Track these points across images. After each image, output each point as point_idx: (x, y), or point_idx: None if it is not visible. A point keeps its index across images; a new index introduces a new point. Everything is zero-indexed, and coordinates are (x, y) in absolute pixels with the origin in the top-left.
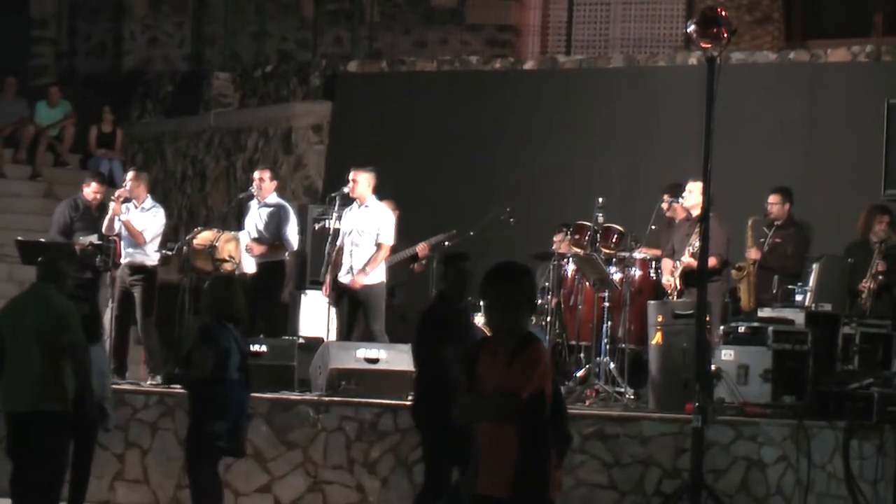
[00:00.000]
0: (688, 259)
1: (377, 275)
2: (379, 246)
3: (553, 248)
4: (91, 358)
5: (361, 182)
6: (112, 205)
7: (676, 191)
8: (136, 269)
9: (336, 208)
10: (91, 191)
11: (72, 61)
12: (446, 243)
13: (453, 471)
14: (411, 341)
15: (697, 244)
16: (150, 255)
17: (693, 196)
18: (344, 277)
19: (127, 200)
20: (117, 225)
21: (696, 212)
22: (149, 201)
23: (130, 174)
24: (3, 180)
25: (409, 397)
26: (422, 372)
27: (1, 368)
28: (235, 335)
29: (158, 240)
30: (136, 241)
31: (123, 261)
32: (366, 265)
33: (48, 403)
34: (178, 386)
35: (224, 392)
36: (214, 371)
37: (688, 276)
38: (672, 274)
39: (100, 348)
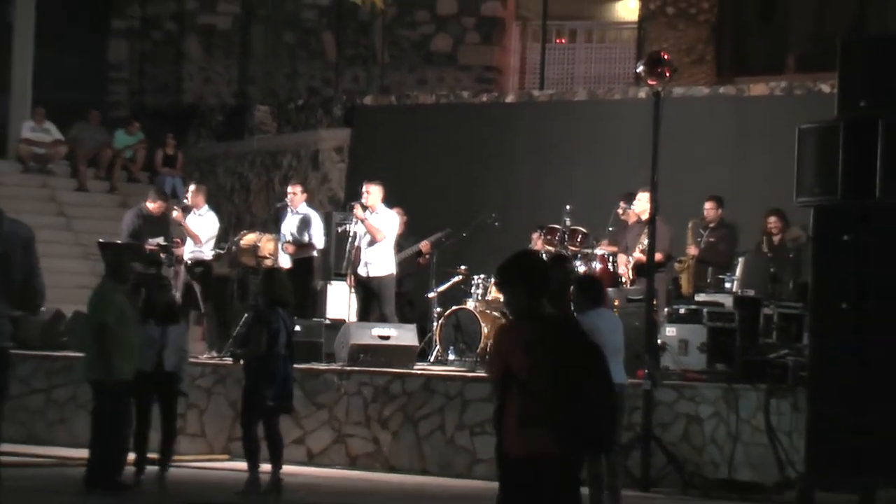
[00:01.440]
0: (638, 255)
1: (387, 267)
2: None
3: (530, 245)
4: (171, 336)
5: (373, 193)
6: (175, 213)
7: (630, 198)
8: (195, 264)
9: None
10: (156, 206)
11: (141, 97)
12: (444, 239)
13: None
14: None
15: (646, 242)
16: (207, 253)
17: (642, 203)
18: (361, 270)
19: (187, 210)
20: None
21: (645, 216)
22: (205, 209)
23: (192, 187)
24: (86, 193)
25: None
26: None
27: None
28: (284, 317)
29: (213, 240)
30: (194, 241)
31: (186, 258)
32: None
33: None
34: (231, 360)
35: (274, 364)
36: (267, 347)
37: (639, 268)
38: (626, 266)
39: (179, 329)
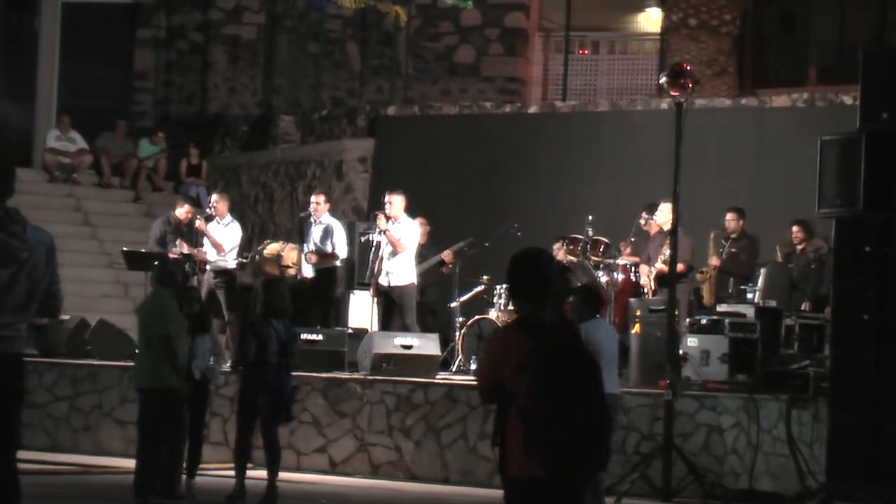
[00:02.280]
0: (660, 265)
1: (409, 277)
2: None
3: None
4: (200, 346)
5: (396, 203)
6: (197, 222)
7: (652, 209)
8: (219, 273)
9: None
10: (184, 211)
11: (167, 107)
12: (466, 249)
13: None
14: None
15: (668, 253)
16: (230, 262)
17: (664, 214)
18: (383, 279)
19: (210, 219)
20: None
21: (667, 227)
22: (228, 217)
23: (215, 196)
24: (111, 203)
25: None
26: None
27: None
28: (276, 327)
29: (237, 249)
30: (217, 250)
31: (209, 266)
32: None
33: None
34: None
35: (264, 372)
36: (256, 356)
37: (660, 278)
38: (648, 277)
39: (208, 338)
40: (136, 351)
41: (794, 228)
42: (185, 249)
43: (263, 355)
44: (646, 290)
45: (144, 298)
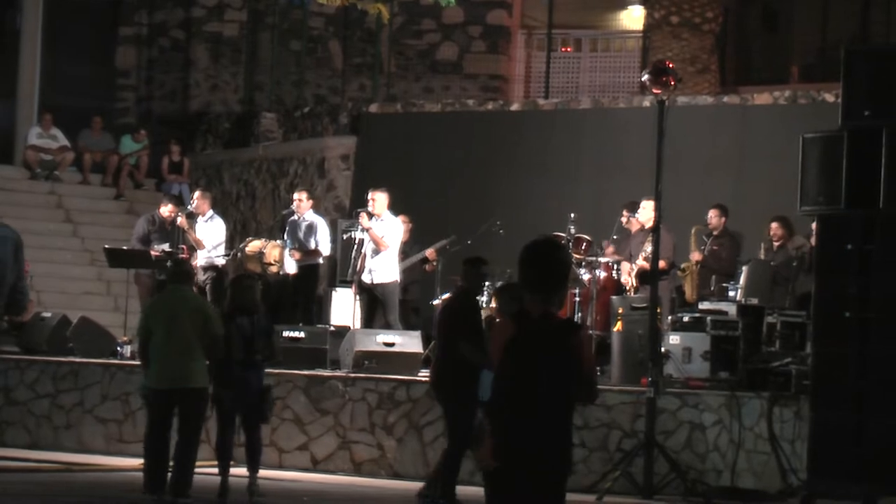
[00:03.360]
0: (641, 263)
1: (391, 274)
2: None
3: None
4: None
5: (379, 200)
6: (178, 219)
7: (634, 207)
8: (208, 269)
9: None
10: (168, 210)
11: (149, 104)
12: (448, 247)
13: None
14: (436, 328)
15: (650, 250)
16: (219, 258)
17: (646, 211)
18: (366, 277)
19: (192, 216)
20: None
21: (649, 224)
22: (209, 213)
23: (197, 193)
24: (93, 200)
25: (428, 375)
26: (445, 354)
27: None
28: (241, 324)
29: (223, 245)
30: (197, 247)
31: (199, 263)
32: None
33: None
34: None
35: (228, 369)
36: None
37: (642, 276)
38: (630, 274)
39: None
40: (159, 349)
41: (773, 225)
42: (168, 248)
43: (228, 353)
44: (628, 288)
45: (170, 298)
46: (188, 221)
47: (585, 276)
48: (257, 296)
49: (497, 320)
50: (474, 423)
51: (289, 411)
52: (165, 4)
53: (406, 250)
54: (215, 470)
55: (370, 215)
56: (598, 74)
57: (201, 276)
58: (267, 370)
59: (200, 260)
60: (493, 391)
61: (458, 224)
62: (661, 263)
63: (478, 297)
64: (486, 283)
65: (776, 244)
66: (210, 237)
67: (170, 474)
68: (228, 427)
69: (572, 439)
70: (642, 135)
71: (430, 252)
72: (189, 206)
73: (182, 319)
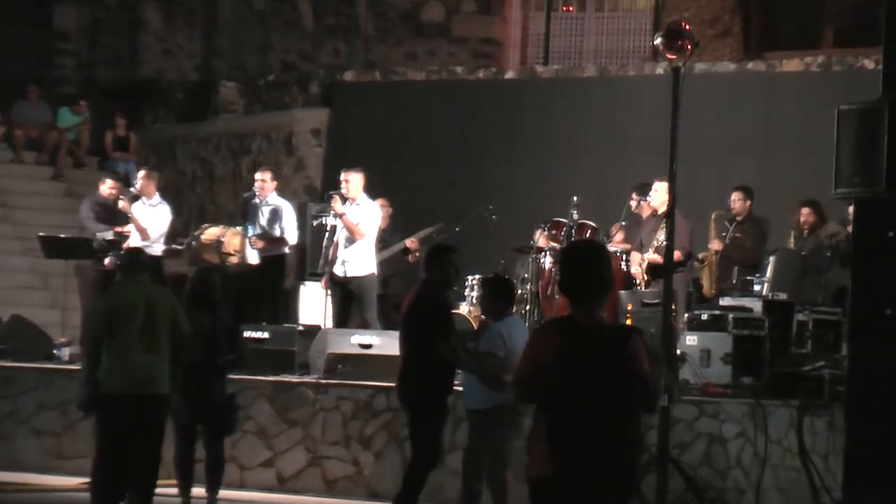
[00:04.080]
0: (652, 255)
1: (367, 267)
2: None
3: (532, 242)
4: None
5: (353, 182)
6: (121, 203)
7: (644, 190)
8: None
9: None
10: (107, 187)
11: (92, 71)
12: (434, 235)
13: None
14: (404, 322)
15: (663, 238)
16: (157, 250)
17: (659, 195)
18: (338, 269)
19: (136, 198)
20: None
21: (662, 209)
22: (156, 198)
23: (142, 173)
24: (27, 181)
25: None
26: (411, 355)
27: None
28: (201, 321)
29: (165, 235)
30: (141, 236)
31: None
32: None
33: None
34: None
35: (188, 374)
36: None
37: (654, 268)
38: (640, 266)
39: None
40: (121, 349)
41: (804, 210)
42: (111, 236)
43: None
44: (638, 282)
45: (134, 290)
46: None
47: None
48: (220, 291)
49: (484, 320)
50: (441, 435)
51: (252, 422)
52: None
53: (385, 238)
54: (174, 490)
55: (344, 199)
56: (605, 38)
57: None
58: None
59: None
60: (544, 401)
61: (445, 209)
62: (677, 254)
63: (446, 291)
64: (453, 274)
65: (807, 231)
66: (155, 225)
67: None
68: (187, 440)
69: (639, 451)
70: (655, 107)
71: (412, 241)
72: (132, 189)
73: (151, 314)
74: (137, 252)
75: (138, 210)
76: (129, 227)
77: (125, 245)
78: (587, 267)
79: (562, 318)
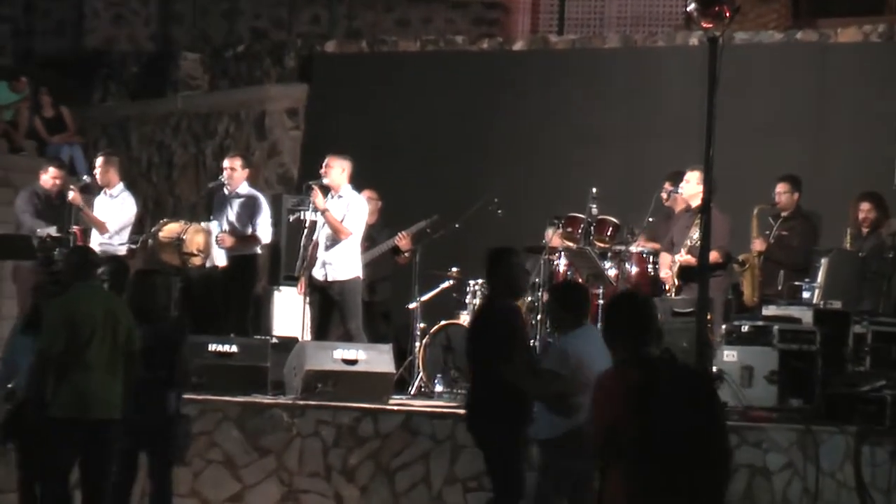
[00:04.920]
0: (685, 256)
1: (351, 269)
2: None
3: (544, 241)
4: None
5: (336, 168)
6: (70, 194)
7: (676, 179)
8: (104, 261)
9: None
10: (49, 177)
11: (29, 40)
12: (428, 231)
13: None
14: (468, 341)
15: (697, 237)
16: (118, 247)
17: (691, 185)
18: (318, 272)
19: (87, 189)
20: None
21: (695, 202)
22: (119, 188)
23: (100, 159)
24: None
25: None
26: (477, 381)
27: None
28: (142, 332)
29: (128, 230)
30: (99, 230)
31: None
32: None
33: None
34: None
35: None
36: None
37: (686, 271)
38: (670, 268)
39: None
40: (73, 366)
41: (863, 205)
42: (54, 231)
43: None
44: (668, 287)
45: (89, 297)
46: (83, 197)
47: (612, 271)
48: (164, 299)
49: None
50: (522, 466)
51: (217, 450)
52: None
53: (373, 236)
54: None
55: (325, 190)
56: (630, 2)
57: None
58: (185, 396)
59: (96, 249)
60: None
61: (442, 201)
62: (713, 254)
63: (511, 300)
64: (516, 278)
65: (866, 230)
66: (117, 218)
67: None
68: (126, 469)
69: None
70: (688, 83)
71: (403, 238)
72: (85, 178)
73: (110, 327)
74: (87, 251)
75: (100, 202)
76: (77, 226)
77: (79, 243)
78: (640, 308)
79: (632, 355)
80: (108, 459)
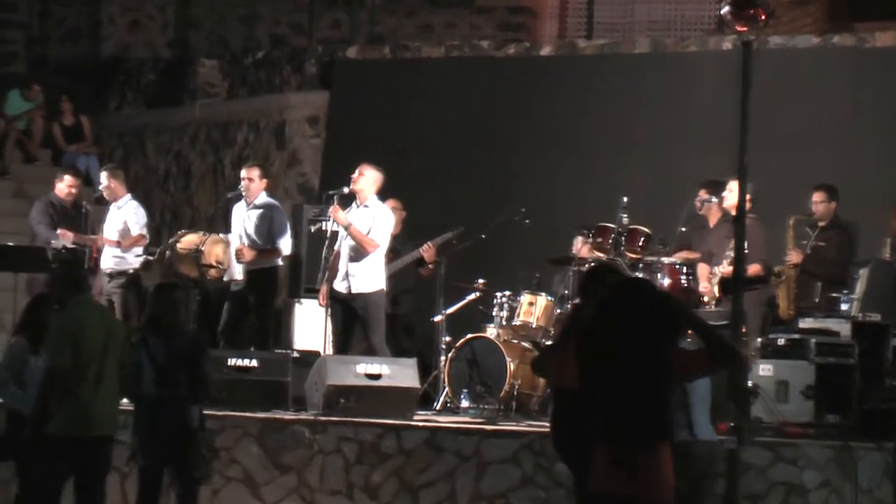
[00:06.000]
0: (727, 268)
1: (375, 282)
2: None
3: (572, 252)
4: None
5: (367, 178)
6: (85, 206)
7: (714, 188)
8: (116, 275)
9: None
10: (65, 185)
11: (44, 47)
12: (454, 242)
13: None
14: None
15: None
16: (130, 259)
17: (735, 195)
18: (340, 284)
19: (101, 201)
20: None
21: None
22: (126, 198)
23: (104, 173)
24: None
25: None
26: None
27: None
28: (152, 347)
29: (142, 240)
30: (107, 244)
31: (104, 266)
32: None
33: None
34: None
35: (138, 407)
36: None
37: (727, 283)
38: (709, 280)
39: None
40: (78, 383)
41: None
42: (71, 240)
43: (138, 386)
44: (707, 299)
45: (90, 313)
46: (97, 209)
47: None
48: (185, 313)
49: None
50: None
51: (236, 467)
52: None
53: (397, 247)
54: None
55: (349, 198)
56: (661, 6)
57: (107, 285)
58: (206, 412)
59: (106, 262)
60: None
61: (467, 211)
62: (755, 267)
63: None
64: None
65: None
66: (123, 228)
67: None
68: (150, 488)
69: None
70: (720, 89)
71: (427, 249)
72: (99, 189)
73: (109, 342)
74: (74, 264)
75: (111, 216)
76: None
77: (94, 255)
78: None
79: None
80: (104, 476)
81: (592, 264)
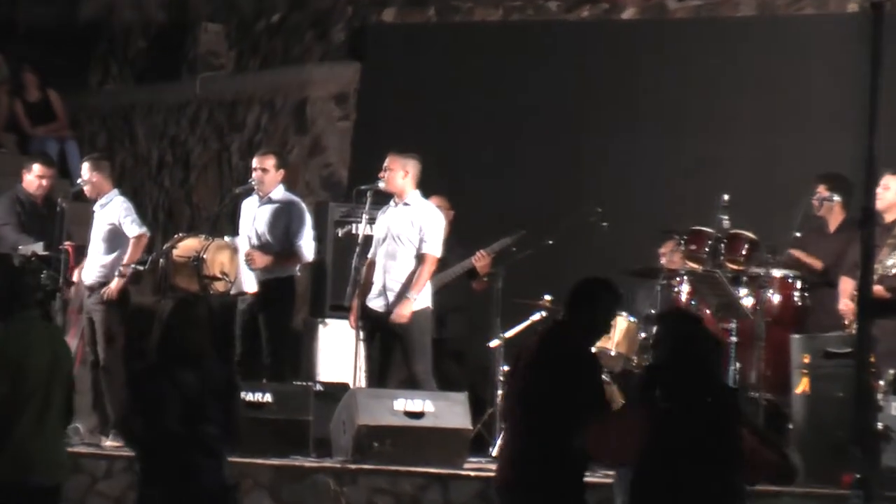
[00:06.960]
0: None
1: (420, 299)
2: (422, 258)
3: (660, 262)
4: None
5: (397, 171)
6: (61, 203)
7: (835, 184)
8: (97, 286)
9: (367, 208)
10: (34, 176)
11: (10, 10)
12: (514, 249)
13: None
14: (510, 389)
15: (891, 262)
16: (121, 268)
17: (892, 192)
18: (375, 301)
19: (79, 196)
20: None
21: (891, 216)
22: (112, 194)
23: (87, 164)
24: None
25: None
26: (529, 440)
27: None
28: (181, 378)
29: (128, 243)
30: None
31: (84, 276)
32: (408, 288)
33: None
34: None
35: (162, 451)
36: (147, 426)
37: (871, 304)
38: (852, 299)
39: None
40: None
41: None
42: (40, 248)
43: (157, 425)
44: (847, 322)
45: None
46: (76, 206)
47: (748, 300)
48: (210, 335)
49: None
50: None
51: None
52: None
53: (444, 256)
54: None
55: (385, 197)
56: None
57: (87, 300)
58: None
59: (90, 272)
60: None
61: (529, 211)
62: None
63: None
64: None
65: None
66: (113, 234)
67: None
68: None
69: None
70: (842, 60)
71: (479, 258)
72: (80, 182)
73: (56, 369)
74: (16, 271)
75: (96, 217)
76: (70, 242)
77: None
78: None
79: None
80: None
81: (663, 312)
